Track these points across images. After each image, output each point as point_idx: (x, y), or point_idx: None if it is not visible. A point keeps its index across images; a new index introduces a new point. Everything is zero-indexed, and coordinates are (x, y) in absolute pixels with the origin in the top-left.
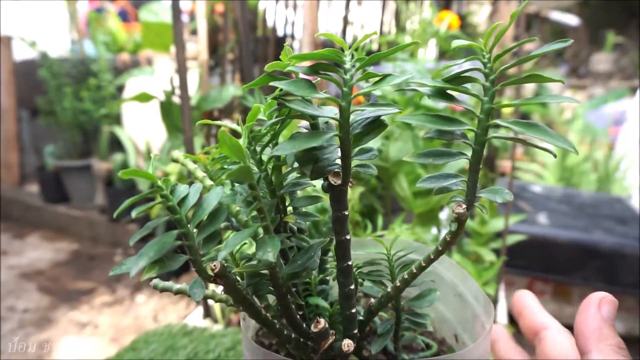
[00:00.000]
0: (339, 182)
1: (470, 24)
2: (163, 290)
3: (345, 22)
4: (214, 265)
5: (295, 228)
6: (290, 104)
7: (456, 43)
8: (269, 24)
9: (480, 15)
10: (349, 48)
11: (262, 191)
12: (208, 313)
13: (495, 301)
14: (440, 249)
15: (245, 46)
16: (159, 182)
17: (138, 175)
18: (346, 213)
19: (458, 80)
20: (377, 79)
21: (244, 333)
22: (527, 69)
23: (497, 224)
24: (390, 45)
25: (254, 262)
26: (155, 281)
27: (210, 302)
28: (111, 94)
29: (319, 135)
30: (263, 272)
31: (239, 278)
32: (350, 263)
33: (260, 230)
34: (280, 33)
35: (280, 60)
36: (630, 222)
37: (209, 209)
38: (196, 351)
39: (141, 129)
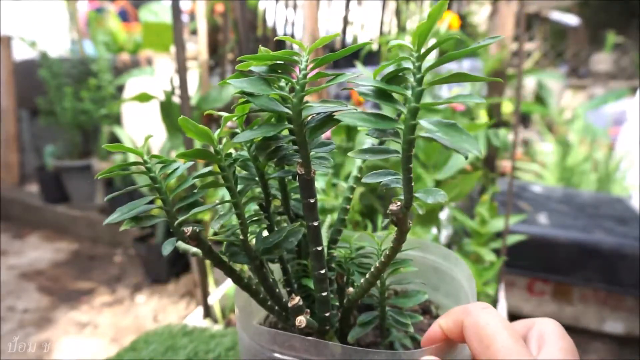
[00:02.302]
0: (303, 171)
1: (470, 24)
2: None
3: (345, 22)
4: (187, 230)
5: (293, 214)
6: (255, 99)
7: (392, 43)
8: (269, 24)
9: (480, 15)
10: (307, 50)
11: (252, 174)
12: (208, 313)
13: (495, 301)
14: (393, 246)
15: (245, 46)
16: (145, 157)
17: (124, 149)
18: (312, 201)
19: (396, 80)
20: (329, 77)
21: (240, 319)
22: (527, 68)
23: (497, 224)
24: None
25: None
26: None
27: (210, 302)
28: (111, 94)
29: (275, 127)
30: (237, 243)
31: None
32: (320, 248)
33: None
34: (280, 33)
35: None
36: (630, 222)
37: (188, 183)
38: (196, 351)
39: (141, 129)
